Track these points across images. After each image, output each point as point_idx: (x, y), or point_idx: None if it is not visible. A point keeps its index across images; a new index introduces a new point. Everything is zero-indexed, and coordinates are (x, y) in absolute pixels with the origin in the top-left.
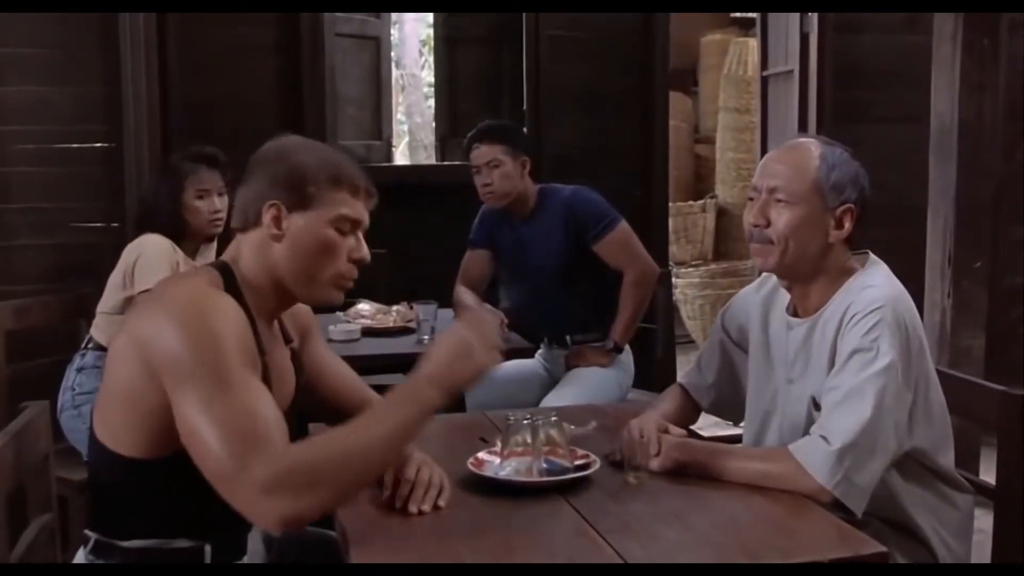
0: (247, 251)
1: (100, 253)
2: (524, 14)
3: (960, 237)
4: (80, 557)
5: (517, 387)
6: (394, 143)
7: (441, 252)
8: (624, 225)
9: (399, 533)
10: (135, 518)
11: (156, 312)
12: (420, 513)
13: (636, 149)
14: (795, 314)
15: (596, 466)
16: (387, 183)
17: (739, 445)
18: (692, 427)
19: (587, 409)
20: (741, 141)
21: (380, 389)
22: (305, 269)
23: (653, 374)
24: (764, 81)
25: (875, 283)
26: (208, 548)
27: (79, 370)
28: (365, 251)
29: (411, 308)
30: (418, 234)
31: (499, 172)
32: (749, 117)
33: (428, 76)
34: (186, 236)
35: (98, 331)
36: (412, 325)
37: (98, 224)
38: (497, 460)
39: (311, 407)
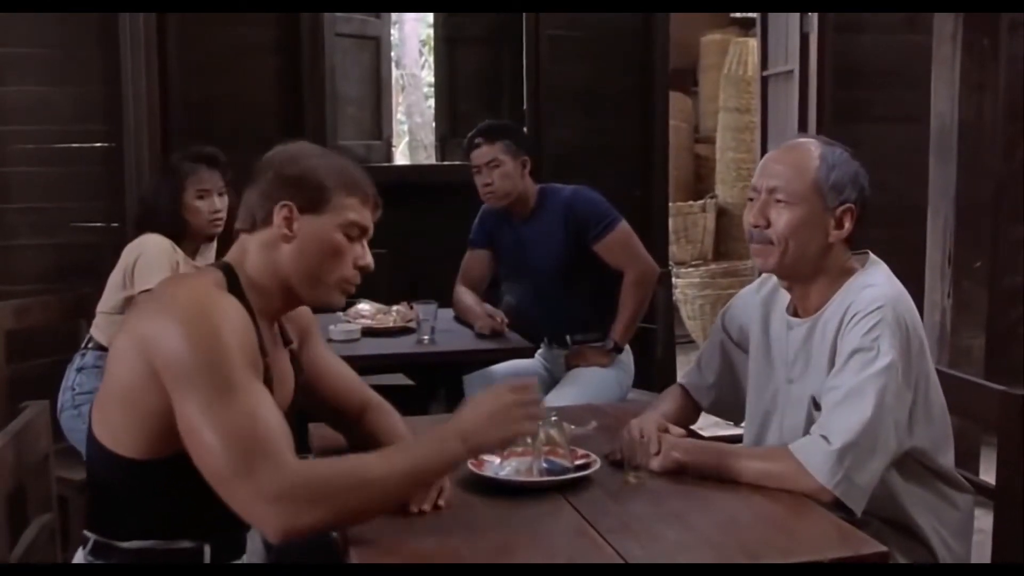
0: (254, 251)
1: (100, 253)
2: (524, 14)
3: (960, 237)
4: (79, 558)
5: None
6: (394, 143)
7: (441, 252)
8: (624, 225)
9: (399, 533)
10: (134, 519)
11: (160, 313)
12: (420, 513)
13: (636, 149)
14: (795, 314)
15: (596, 466)
16: (387, 183)
17: (739, 445)
18: (692, 427)
19: (587, 409)
20: (741, 141)
21: (380, 389)
22: (312, 271)
23: (653, 374)
24: (764, 81)
25: (875, 283)
26: (207, 548)
27: (79, 370)
28: (370, 259)
29: (411, 308)
30: (418, 234)
31: (499, 172)
32: (749, 117)
33: (428, 76)
34: (186, 236)
35: (98, 331)
36: (412, 325)
37: (98, 224)
38: (497, 460)
39: (311, 407)
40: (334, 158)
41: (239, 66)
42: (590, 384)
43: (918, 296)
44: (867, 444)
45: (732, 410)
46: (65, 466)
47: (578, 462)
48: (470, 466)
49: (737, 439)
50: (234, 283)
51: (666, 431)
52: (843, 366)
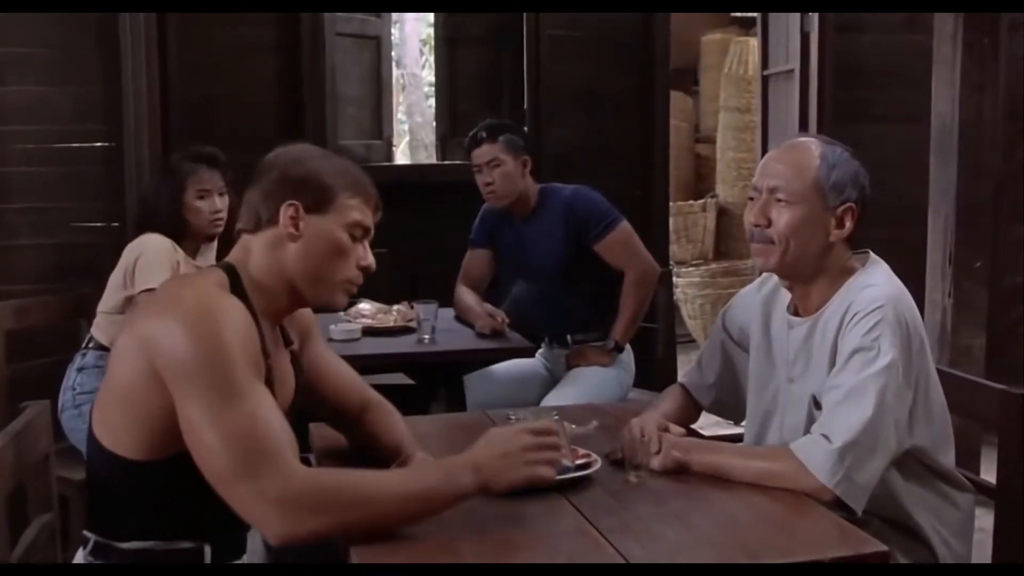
0: (257, 251)
1: (100, 253)
2: (524, 14)
3: (960, 237)
4: (79, 558)
5: (518, 386)
6: (394, 143)
7: (442, 252)
8: (625, 225)
9: (399, 533)
10: (134, 519)
11: (162, 313)
12: None
13: (636, 149)
14: (796, 313)
15: (597, 465)
16: (387, 183)
17: (740, 444)
18: (693, 426)
19: (588, 408)
20: (742, 140)
21: (380, 388)
22: (316, 271)
23: (654, 373)
24: (765, 80)
25: (876, 282)
26: (208, 549)
27: (80, 370)
28: (372, 259)
29: (412, 307)
30: (419, 234)
31: (500, 171)
32: (750, 116)
33: (428, 76)
34: (186, 236)
35: (99, 331)
36: (413, 325)
37: (98, 224)
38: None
39: (311, 407)
40: (337, 159)
41: (239, 66)
42: (591, 384)
43: (918, 296)
44: (868, 443)
45: (732, 409)
46: (65, 466)
47: (579, 461)
48: None
49: (738, 438)
50: (237, 284)
51: (667, 430)
52: (844, 365)
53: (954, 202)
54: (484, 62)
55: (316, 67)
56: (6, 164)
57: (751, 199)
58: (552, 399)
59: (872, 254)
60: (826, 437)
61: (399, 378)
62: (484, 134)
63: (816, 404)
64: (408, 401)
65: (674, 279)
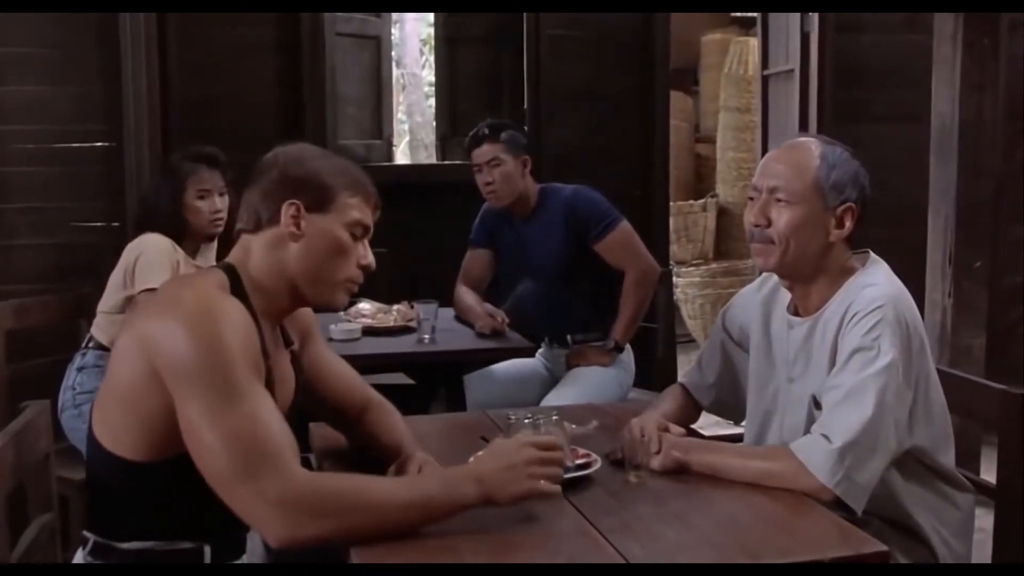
0: (258, 251)
1: (100, 253)
2: (524, 14)
3: (960, 237)
4: (79, 558)
5: (518, 386)
6: (395, 142)
7: (442, 251)
8: (625, 225)
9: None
10: (134, 520)
11: (163, 314)
12: None
13: (636, 149)
14: (796, 313)
15: (597, 465)
16: (387, 182)
17: (740, 444)
18: (693, 426)
19: (588, 408)
20: (742, 140)
21: (380, 388)
22: (318, 270)
23: (654, 373)
24: (765, 80)
25: (876, 282)
26: (207, 549)
27: (80, 369)
28: (372, 258)
29: (412, 307)
30: (419, 233)
31: (500, 171)
32: (750, 116)
33: (429, 75)
34: (186, 236)
35: (99, 330)
36: (413, 324)
37: (98, 224)
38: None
39: (312, 407)
40: (336, 159)
41: (239, 66)
42: (591, 384)
43: (918, 296)
44: (868, 443)
45: (732, 409)
46: (65, 466)
47: (579, 461)
48: None
49: (738, 438)
50: (237, 284)
51: (666, 430)
52: (844, 365)
53: (954, 202)
54: (484, 62)
55: (316, 67)
56: (6, 164)
57: (751, 199)
58: (552, 399)
59: (872, 254)
60: (826, 437)
61: (399, 378)
62: (484, 133)
63: (816, 404)
64: (408, 401)
65: (674, 279)
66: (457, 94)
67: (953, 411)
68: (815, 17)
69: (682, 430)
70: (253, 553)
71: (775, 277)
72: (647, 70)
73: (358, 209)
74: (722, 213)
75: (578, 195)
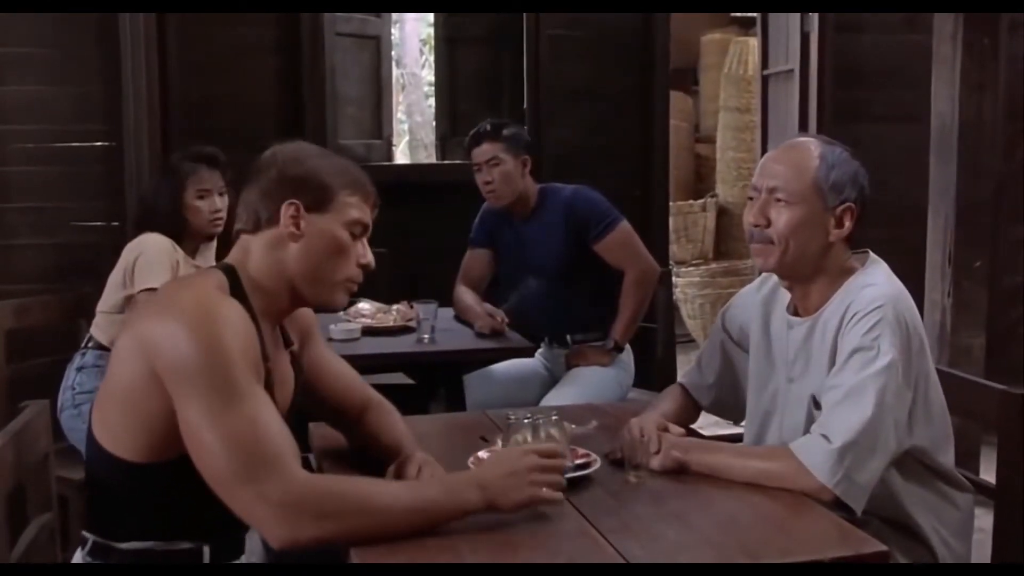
0: (257, 252)
1: (100, 252)
2: (524, 14)
3: (960, 237)
4: (77, 559)
5: (517, 386)
6: (394, 142)
7: (441, 251)
8: (625, 225)
9: None
10: (133, 520)
11: (162, 316)
12: None
13: (636, 149)
14: (795, 313)
15: (596, 465)
16: (387, 182)
17: (740, 444)
18: (692, 426)
19: (587, 408)
20: (741, 140)
21: (380, 388)
22: (317, 270)
23: (653, 373)
24: (764, 80)
25: (875, 282)
26: (206, 549)
27: (79, 369)
28: (371, 257)
29: (411, 307)
30: (418, 233)
31: (499, 170)
32: (749, 116)
33: (428, 75)
34: (186, 235)
35: (98, 330)
36: (412, 324)
37: (98, 223)
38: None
39: (311, 407)
40: (334, 157)
41: (239, 66)
42: (590, 383)
43: (918, 296)
44: (867, 443)
45: (732, 409)
46: (65, 466)
47: (578, 461)
48: (471, 465)
49: (737, 438)
50: (236, 285)
51: (666, 430)
52: (843, 365)
53: (954, 202)
54: (484, 62)
55: (316, 67)
56: (6, 164)
57: (750, 199)
58: (552, 399)
59: (872, 254)
60: (825, 437)
61: (399, 378)
62: (484, 133)
63: (816, 404)
64: (408, 401)
65: (674, 279)
66: (457, 94)
67: (953, 411)
68: (815, 17)
69: (681, 430)
70: (252, 553)
71: (775, 277)
72: (647, 70)
73: (357, 208)
74: (722, 213)
75: (578, 195)
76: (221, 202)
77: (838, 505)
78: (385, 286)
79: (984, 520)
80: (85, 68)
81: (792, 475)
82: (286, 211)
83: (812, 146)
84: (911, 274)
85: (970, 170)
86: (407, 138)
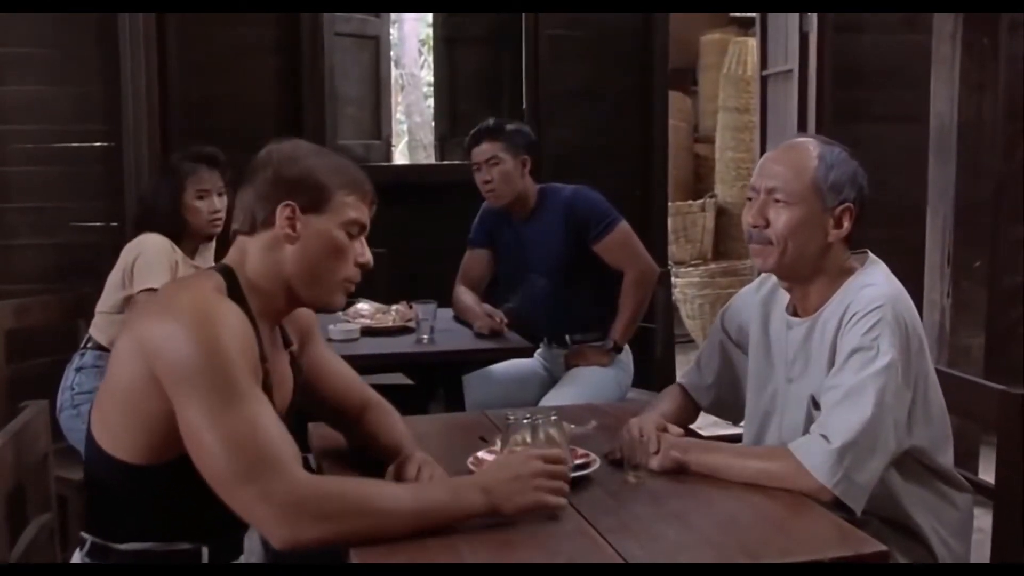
0: (254, 253)
1: (100, 253)
2: (524, 14)
3: (959, 237)
4: (76, 559)
5: (517, 386)
6: (393, 142)
7: (441, 251)
8: (624, 225)
9: None
10: (132, 521)
11: (161, 317)
12: None
13: (636, 149)
14: (795, 314)
15: (596, 465)
16: (386, 182)
17: (739, 444)
18: (692, 427)
19: (587, 408)
20: (740, 140)
21: (379, 388)
22: (315, 271)
23: (653, 373)
24: (763, 80)
25: (874, 282)
26: (205, 550)
27: (78, 370)
28: (369, 256)
29: (410, 307)
30: (418, 233)
31: (499, 170)
32: (748, 116)
33: (428, 76)
34: (185, 236)
35: (97, 331)
36: (411, 324)
37: (97, 223)
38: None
39: (311, 407)
40: (330, 156)
41: (239, 66)
42: (589, 384)
43: (917, 296)
44: (867, 443)
45: (731, 410)
46: (64, 466)
47: (578, 461)
48: (470, 465)
49: (737, 439)
50: (234, 287)
51: (665, 430)
52: (843, 365)
53: (953, 202)
54: (483, 62)
55: (315, 67)
56: (6, 164)
57: (749, 199)
58: (551, 399)
59: (871, 254)
60: (825, 437)
61: (398, 378)
62: (484, 132)
63: (815, 404)
64: (407, 401)
65: (673, 279)
66: (456, 94)
67: (952, 411)
68: (814, 17)
69: (680, 430)
70: (251, 554)
71: (774, 277)
72: (646, 70)
73: (354, 208)
74: (721, 213)
75: (577, 195)
76: (220, 202)
77: (838, 505)
78: (384, 286)
79: (983, 520)
80: (85, 68)
81: (791, 475)
82: (282, 213)
83: (811, 146)
84: (911, 274)
85: (970, 170)
86: (406, 138)
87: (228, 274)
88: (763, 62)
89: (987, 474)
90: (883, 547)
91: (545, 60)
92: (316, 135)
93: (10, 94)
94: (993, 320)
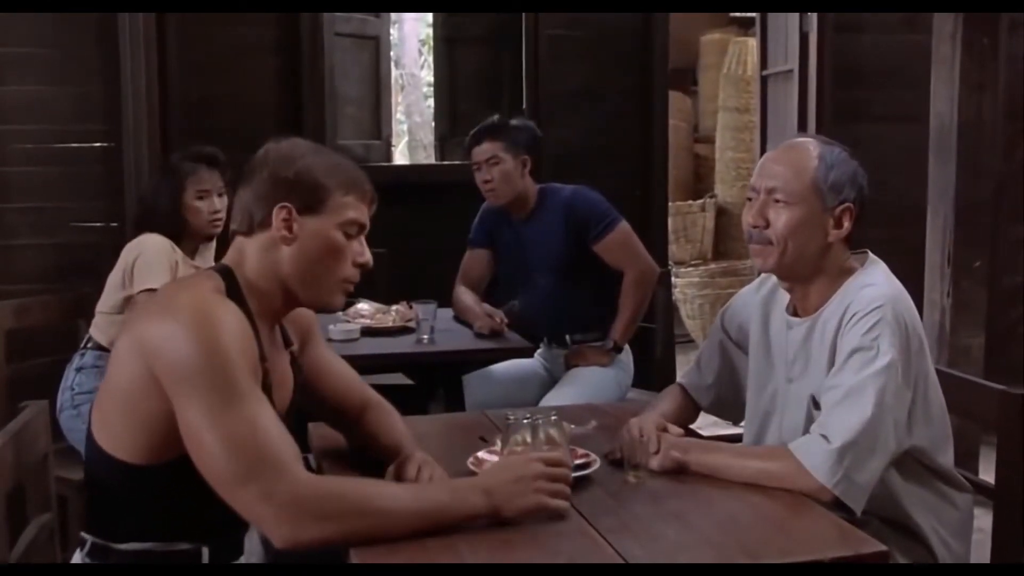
0: (252, 254)
1: (100, 253)
2: (524, 14)
3: (960, 237)
4: (76, 559)
5: (517, 386)
6: (393, 143)
7: (441, 252)
8: (624, 225)
9: None
10: (132, 521)
11: (160, 318)
12: None
13: (636, 149)
14: (795, 314)
15: (596, 465)
16: (386, 183)
17: (739, 444)
18: (692, 427)
19: (587, 408)
20: (740, 140)
21: (379, 388)
22: (312, 272)
23: (653, 373)
24: (763, 80)
25: (874, 282)
26: (206, 550)
27: (78, 370)
28: (369, 255)
29: (410, 307)
30: (418, 234)
31: (499, 169)
32: (748, 116)
33: (427, 76)
34: (185, 236)
35: (97, 331)
36: (412, 325)
37: (97, 224)
38: (497, 459)
39: (311, 406)
40: (329, 155)
41: (239, 66)
42: (589, 384)
43: (917, 296)
44: (867, 443)
45: (731, 410)
46: (64, 466)
47: (578, 461)
48: (470, 465)
49: (737, 439)
50: (233, 287)
51: (665, 430)
52: (843, 365)
53: (953, 202)
54: (483, 62)
55: (315, 67)
56: (6, 164)
57: (749, 200)
58: (551, 399)
59: (871, 254)
60: (825, 437)
61: (398, 378)
62: (485, 132)
63: (815, 404)
64: (407, 401)
65: (673, 279)
66: (456, 94)
67: (952, 411)
68: (814, 17)
69: (680, 430)
70: (251, 554)
71: (774, 277)
72: (646, 70)
73: (353, 208)
74: (721, 213)
75: (577, 195)
76: (220, 203)
77: (838, 505)
78: (384, 286)
79: (983, 520)
80: (85, 68)
81: (791, 475)
82: (278, 214)
83: (811, 146)
84: (911, 274)
85: (970, 170)
86: (406, 138)
87: (227, 274)
88: (763, 62)
89: (987, 474)
90: (883, 547)
91: (545, 60)
92: (316, 135)
93: (10, 94)
94: (993, 320)
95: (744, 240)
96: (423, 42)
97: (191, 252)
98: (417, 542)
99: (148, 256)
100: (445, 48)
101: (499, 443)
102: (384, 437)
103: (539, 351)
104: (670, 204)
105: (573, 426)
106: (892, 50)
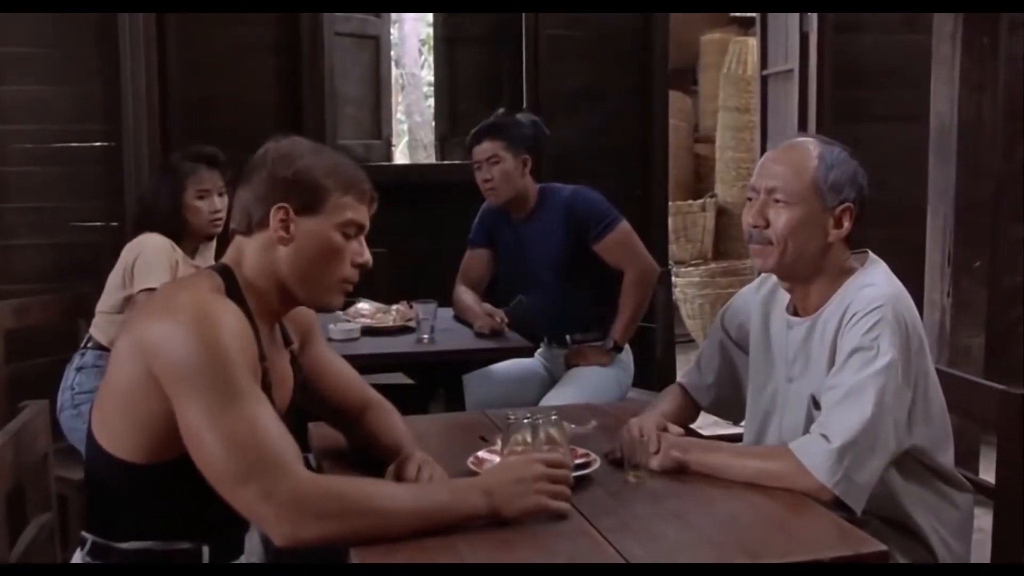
0: (251, 254)
1: (100, 252)
2: (524, 14)
3: (960, 236)
4: (77, 559)
5: (517, 386)
6: (393, 142)
7: (441, 251)
8: (624, 225)
9: None
10: (133, 520)
11: (160, 317)
12: None
13: (636, 148)
14: (795, 313)
15: (596, 465)
16: (387, 182)
17: (739, 444)
18: (692, 426)
19: (587, 408)
20: (741, 140)
21: (380, 388)
22: (310, 273)
23: (653, 373)
24: (764, 80)
25: (874, 282)
26: (206, 549)
27: (78, 369)
28: (368, 255)
29: (411, 307)
30: (418, 233)
31: (499, 168)
32: (749, 116)
33: (428, 75)
34: (185, 235)
35: (97, 330)
36: (412, 324)
37: (97, 223)
38: (497, 459)
39: (311, 406)
40: (328, 154)
41: (239, 66)
42: (590, 383)
43: (917, 295)
44: (867, 443)
45: (732, 409)
46: (64, 466)
47: (578, 461)
48: (470, 465)
49: (737, 438)
50: (232, 286)
51: (665, 430)
52: (843, 365)
53: (953, 202)
54: (483, 62)
55: (315, 67)
56: (5, 164)
57: (749, 199)
58: (551, 399)
59: (871, 254)
60: (825, 437)
61: (398, 378)
62: (486, 131)
63: (815, 404)
64: (407, 401)
65: (673, 279)
66: (456, 94)
67: (952, 411)
68: (814, 17)
69: (681, 430)
70: (251, 553)
71: (774, 277)
72: (646, 70)
73: (351, 208)
74: (721, 213)
75: (577, 195)
76: (221, 202)
77: (838, 505)
78: (384, 286)
79: (983, 520)
80: (85, 68)
81: (791, 475)
82: (275, 215)
83: (811, 146)
84: (911, 274)
85: (970, 170)
86: (406, 138)
87: (226, 274)
88: (763, 62)
89: (987, 474)
90: (883, 547)
91: (545, 60)
92: (316, 135)
93: (10, 94)
94: (993, 320)
95: (744, 240)
96: (423, 42)
97: (191, 252)
98: (417, 542)
99: (148, 256)
100: (445, 48)
101: (499, 443)
102: (384, 437)
103: (539, 351)
104: (670, 204)
105: (573, 426)
106: (892, 50)
